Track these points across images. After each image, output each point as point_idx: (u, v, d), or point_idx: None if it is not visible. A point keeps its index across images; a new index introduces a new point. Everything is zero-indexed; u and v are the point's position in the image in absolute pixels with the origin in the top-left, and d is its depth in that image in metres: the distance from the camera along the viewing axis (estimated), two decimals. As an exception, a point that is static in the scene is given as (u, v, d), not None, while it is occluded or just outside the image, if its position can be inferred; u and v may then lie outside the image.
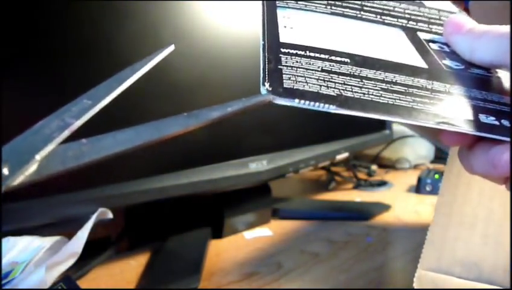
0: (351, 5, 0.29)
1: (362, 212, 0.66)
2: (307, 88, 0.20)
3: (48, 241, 0.32)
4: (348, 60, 0.23)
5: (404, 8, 0.30)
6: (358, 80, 0.22)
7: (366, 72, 0.22)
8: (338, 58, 0.23)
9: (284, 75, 0.21)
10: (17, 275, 0.29)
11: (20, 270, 0.30)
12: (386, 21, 0.28)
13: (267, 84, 0.20)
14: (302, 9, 0.27)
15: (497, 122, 0.21)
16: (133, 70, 0.21)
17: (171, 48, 0.23)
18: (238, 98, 0.21)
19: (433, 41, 0.27)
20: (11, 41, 0.35)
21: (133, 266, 0.48)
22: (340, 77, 0.21)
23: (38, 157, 0.16)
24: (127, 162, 0.43)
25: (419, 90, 0.22)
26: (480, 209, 0.33)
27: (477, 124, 0.21)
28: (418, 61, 0.24)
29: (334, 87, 0.21)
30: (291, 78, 0.21)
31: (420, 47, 0.26)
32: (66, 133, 0.16)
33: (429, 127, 0.20)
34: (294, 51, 0.23)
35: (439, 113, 0.21)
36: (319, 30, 0.25)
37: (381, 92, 0.21)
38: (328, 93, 0.20)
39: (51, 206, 0.37)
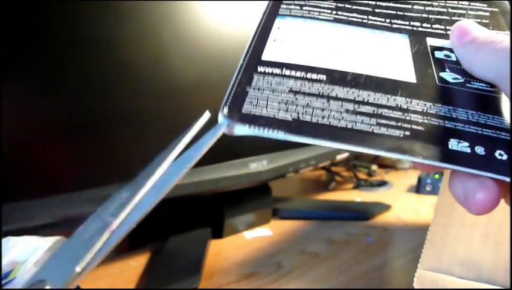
0: (361, 8, 0.28)
1: (362, 212, 0.66)
2: (264, 113, 0.21)
3: (48, 241, 0.32)
4: (324, 78, 0.23)
5: (427, 4, 0.28)
6: (324, 100, 0.22)
7: (337, 90, 0.22)
8: (314, 76, 0.23)
9: (246, 99, 0.22)
10: (17, 275, 0.29)
11: (20, 270, 0.30)
12: (393, 25, 0.27)
13: (225, 109, 0.21)
14: (303, 17, 0.27)
15: (468, 150, 0.20)
16: (168, 152, 0.20)
17: (207, 115, 0.23)
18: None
19: (440, 49, 0.25)
20: (11, 41, 0.35)
21: (133, 266, 0.48)
22: (306, 97, 0.22)
23: (78, 269, 0.15)
24: (127, 162, 0.43)
25: (390, 111, 0.21)
26: (480, 209, 0.33)
27: (442, 152, 0.20)
28: (408, 75, 0.23)
29: (294, 111, 0.21)
30: (253, 102, 0.22)
31: (419, 57, 0.25)
32: (106, 235, 0.15)
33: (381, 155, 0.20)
34: (271, 70, 0.23)
35: (400, 138, 0.20)
36: (310, 43, 0.25)
37: (343, 115, 0.21)
38: (283, 118, 0.21)
39: (51, 206, 0.37)
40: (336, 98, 0.22)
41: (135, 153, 0.44)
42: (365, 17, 0.27)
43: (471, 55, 0.23)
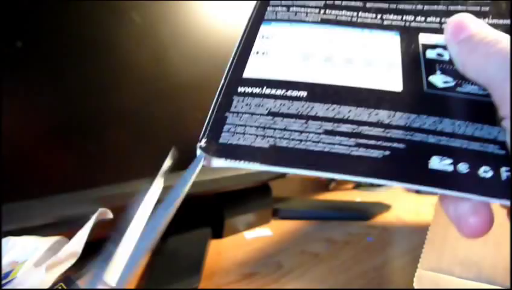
0: (351, 4, 0.26)
1: (362, 212, 0.66)
2: (241, 141, 0.21)
3: (47, 241, 0.32)
4: (305, 94, 0.22)
5: None
6: (303, 121, 0.21)
7: (317, 108, 0.22)
8: (294, 93, 0.22)
9: (224, 127, 0.22)
10: (17, 275, 0.29)
11: (20, 270, 0.30)
12: (385, 22, 0.25)
13: (203, 141, 0.21)
14: (289, 21, 0.26)
15: (450, 168, 0.19)
16: (149, 199, 0.20)
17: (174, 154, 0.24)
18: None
19: (434, 46, 0.24)
20: (11, 41, 0.35)
21: (133, 266, 0.48)
22: (284, 120, 0.21)
23: None
24: (128, 162, 0.43)
25: (371, 129, 0.20)
26: (480, 209, 0.33)
27: (422, 173, 0.19)
28: (394, 82, 0.22)
29: (271, 136, 0.21)
30: (231, 130, 0.21)
31: (409, 58, 0.23)
32: None
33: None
34: (251, 89, 0.23)
35: (379, 159, 0.19)
36: (294, 53, 0.25)
37: (321, 137, 0.20)
38: (260, 145, 0.21)
39: (51, 206, 0.37)
40: (315, 118, 0.21)
41: (135, 153, 0.44)
42: (355, 14, 0.26)
43: (465, 55, 0.21)
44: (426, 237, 0.34)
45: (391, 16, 0.26)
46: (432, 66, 0.23)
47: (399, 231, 0.61)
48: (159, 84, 0.45)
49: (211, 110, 0.23)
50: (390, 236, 0.59)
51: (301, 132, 0.21)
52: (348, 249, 0.53)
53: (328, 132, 0.21)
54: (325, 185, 0.87)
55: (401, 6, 0.26)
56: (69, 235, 0.32)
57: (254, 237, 0.58)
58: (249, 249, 0.53)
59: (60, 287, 0.30)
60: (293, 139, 0.21)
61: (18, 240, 0.32)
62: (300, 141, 0.21)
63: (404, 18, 0.25)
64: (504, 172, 0.18)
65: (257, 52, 0.25)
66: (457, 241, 0.34)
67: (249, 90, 0.23)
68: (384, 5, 0.26)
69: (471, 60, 0.21)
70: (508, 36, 0.20)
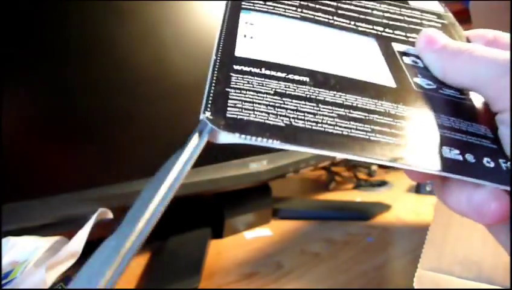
0: (324, 8, 0.26)
1: (362, 212, 0.66)
2: (252, 118, 0.18)
3: (47, 241, 0.32)
4: (307, 79, 0.21)
5: (384, 10, 0.27)
6: (314, 104, 0.20)
7: (324, 94, 0.20)
8: (296, 77, 0.21)
9: (229, 101, 0.19)
10: (17, 275, 0.29)
11: (20, 270, 0.30)
12: (359, 28, 0.26)
13: (207, 113, 0.18)
14: (269, 13, 0.25)
15: (460, 157, 0.19)
16: (157, 185, 0.17)
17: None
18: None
19: (407, 54, 0.24)
20: (11, 41, 0.35)
21: (133, 266, 0.48)
22: (293, 101, 0.19)
23: None
24: (127, 162, 0.43)
25: (381, 117, 0.20)
26: (480, 209, 0.33)
27: (439, 160, 0.19)
28: (387, 79, 0.22)
29: (285, 115, 0.19)
30: (237, 105, 0.19)
31: (392, 61, 0.24)
32: None
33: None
34: (248, 68, 0.21)
35: (397, 146, 0.19)
36: (283, 40, 0.23)
37: (336, 120, 0.19)
38: (275, 123, 0.18)
39: (51, 206, 0.37)
40: (325, 102, 0.20)
41: (135, 153, 0.44)
42: (330, 17, 0.26)
43: (445, 60, 0.22)
44: (426, 237, 0.34)
45: (363, 24, 0.26)
46: (412, 69, 0.23)
47: (399, 231, 0.61)
48: (160, 84, 0.45)
49: (208, 85, 0.20)
50: (390, 236, 0.59)
51: (315, 114, 0.19)
52: (348, 249, 0.53)
53: (341, 117, 0.19)
54: (325, 185, 0.87)
55: (370, 18, 0.27)
56: (69, 235, 0.32)
57: (254, 237, 0.58)
58: (249, 249, 0.53)
59: (60, 287, 0.30)
60: (308, 121, 0.19)
61: (18, 240, 0.32)
62: (317, 122, 0.19)
63: (375, 28, 0.26)
64: (502, 163, 0.19)
65: (244, 36, 0.23)
66: (457, 241, 0.34)
67: (246, 68, 0.21)
68: (355, 14, 0.26)
69: (455, 65, 0.22)
70: (477, 45, 0.22)
